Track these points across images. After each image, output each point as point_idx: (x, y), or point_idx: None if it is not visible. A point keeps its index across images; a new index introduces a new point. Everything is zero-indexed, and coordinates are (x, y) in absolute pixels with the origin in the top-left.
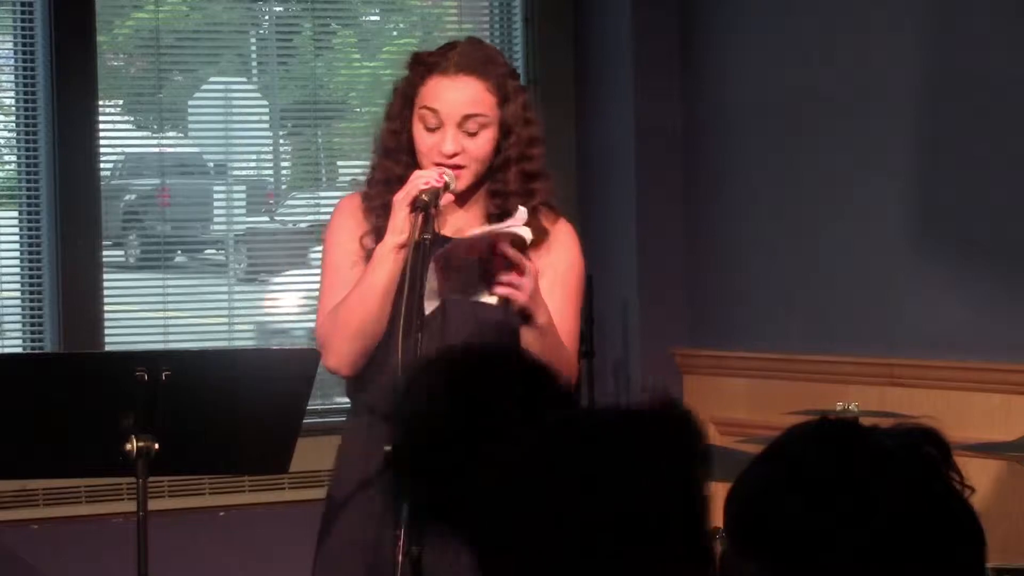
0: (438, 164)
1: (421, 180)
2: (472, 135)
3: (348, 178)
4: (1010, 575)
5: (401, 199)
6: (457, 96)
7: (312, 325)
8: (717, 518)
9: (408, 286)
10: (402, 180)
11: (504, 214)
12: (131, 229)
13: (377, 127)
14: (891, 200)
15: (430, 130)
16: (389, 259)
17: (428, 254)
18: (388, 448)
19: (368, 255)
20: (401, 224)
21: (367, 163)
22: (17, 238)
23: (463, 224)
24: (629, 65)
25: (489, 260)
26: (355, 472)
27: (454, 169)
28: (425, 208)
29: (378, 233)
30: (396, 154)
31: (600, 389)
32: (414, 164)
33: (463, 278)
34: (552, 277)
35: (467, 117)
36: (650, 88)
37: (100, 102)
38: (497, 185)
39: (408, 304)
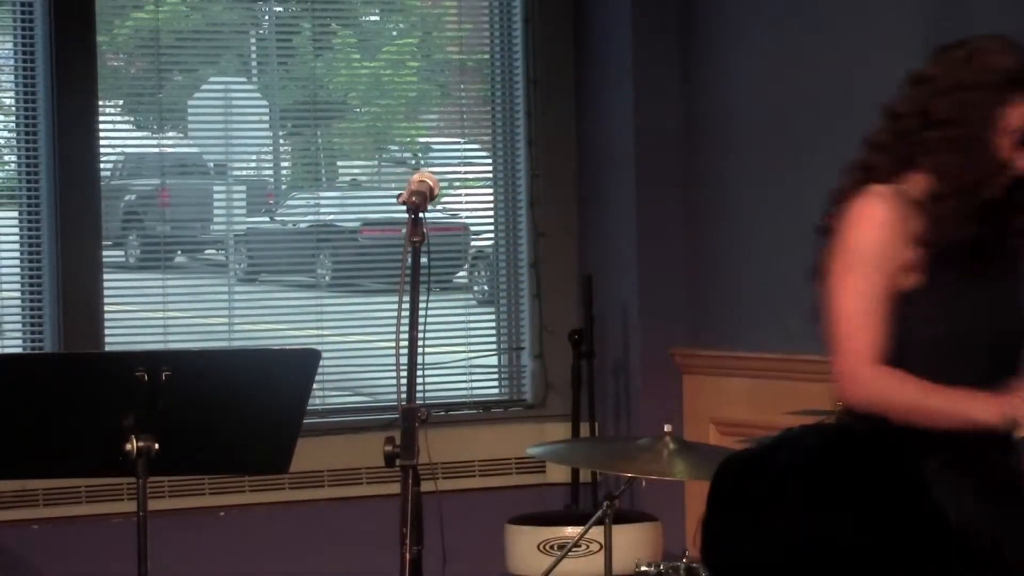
0: None
1: None
2: None
3: (348, 178)
4: None
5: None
6: None
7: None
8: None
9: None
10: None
11: None
12: (131, 229)
13: (964, 127)
14: None
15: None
16: (983, 416)
17: None
18: (387, 448)
19: (903, 264)
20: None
21: (366, 163)
22: (17, 238)
23: None
24: (629, 65)
25: None
26: None
27: None
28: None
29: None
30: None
31: (600, 389)
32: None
33: None
34: None
35: None
36: (650, 88)
37: (100, 102)
38: None
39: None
